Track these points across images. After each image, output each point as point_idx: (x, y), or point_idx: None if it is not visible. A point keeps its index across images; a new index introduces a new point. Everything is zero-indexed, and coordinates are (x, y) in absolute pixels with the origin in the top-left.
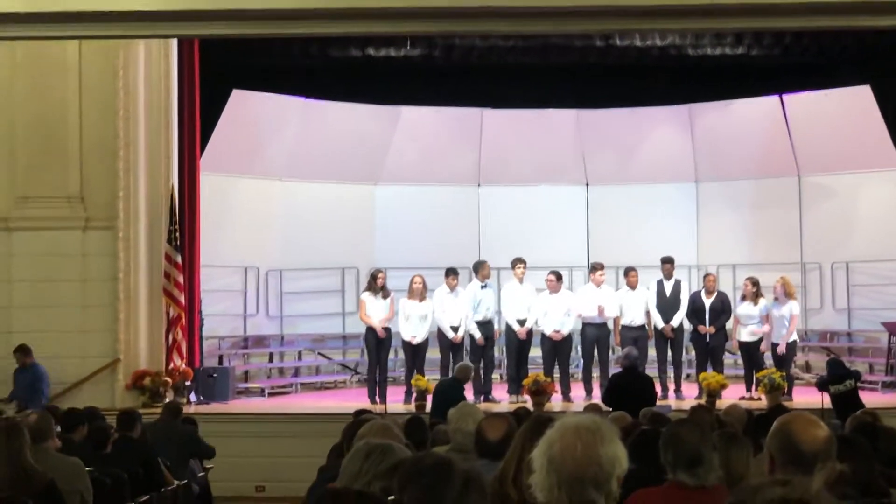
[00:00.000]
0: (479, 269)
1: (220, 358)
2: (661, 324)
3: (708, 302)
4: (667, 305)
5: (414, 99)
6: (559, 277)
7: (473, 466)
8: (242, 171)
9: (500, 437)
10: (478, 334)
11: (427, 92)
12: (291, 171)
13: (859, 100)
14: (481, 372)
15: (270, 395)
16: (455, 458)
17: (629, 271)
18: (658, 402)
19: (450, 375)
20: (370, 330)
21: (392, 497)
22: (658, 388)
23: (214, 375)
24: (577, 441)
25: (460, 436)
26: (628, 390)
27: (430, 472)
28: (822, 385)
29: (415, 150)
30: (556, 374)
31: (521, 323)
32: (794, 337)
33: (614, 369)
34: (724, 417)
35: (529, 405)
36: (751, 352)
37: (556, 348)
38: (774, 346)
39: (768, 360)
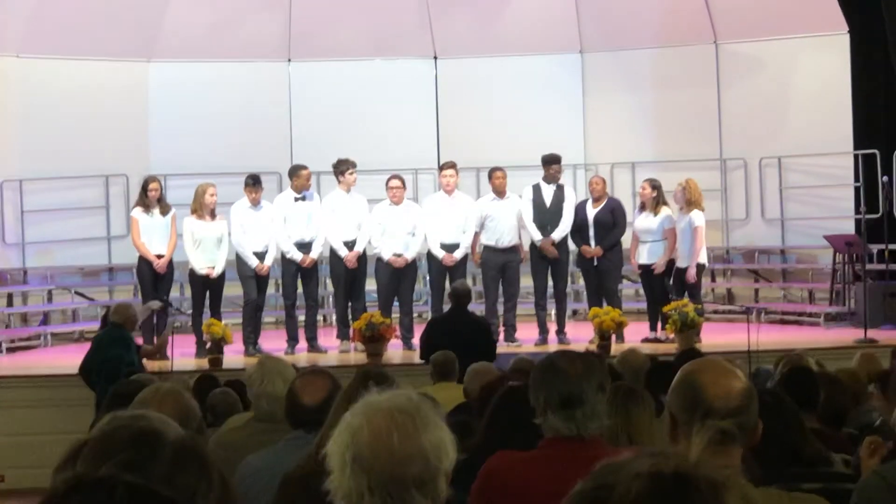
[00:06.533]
0: (294, 175)
1: None
2: (538, 237)
3: (593, 213)
4: (547, 219)
5: None
6: (402, 183)
7: (188, 436)
8: None
9: (321, 402)
10: (298, 255)
11: None
12: (30, 43)
13: None
14: (294, 312)
15: (10, 350)
16: (162, 425)
17: (494, 172)
18: (530, 350)
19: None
20: (144, 261)
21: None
22: (501, 334)
23: None
24: (391, 428)
25: (266, 401)
26: (449, 339)
27: (130, 446)
28: None
29: (201, 14)
30: (397, 314)
31: (350, 246)
32: (703, 258)
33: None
34: (618, 367)
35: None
36: (652, 278)
37: (398, 279)
38: (680, 270)
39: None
